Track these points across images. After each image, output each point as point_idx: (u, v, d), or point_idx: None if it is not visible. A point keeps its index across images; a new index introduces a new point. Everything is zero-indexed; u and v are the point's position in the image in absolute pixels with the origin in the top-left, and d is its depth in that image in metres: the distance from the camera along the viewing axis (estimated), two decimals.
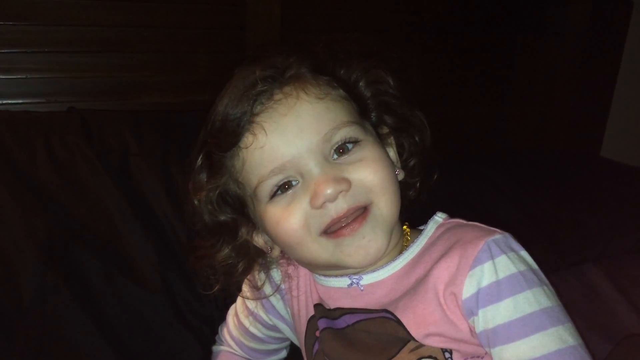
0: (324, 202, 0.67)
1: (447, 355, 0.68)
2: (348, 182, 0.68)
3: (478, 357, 0.69)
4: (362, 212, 0.69)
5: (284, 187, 0.71)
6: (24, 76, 1.40)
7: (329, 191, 0.67)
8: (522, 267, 0.67)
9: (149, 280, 1.05)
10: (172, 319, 1.04)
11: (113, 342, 0.97)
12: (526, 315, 0.64)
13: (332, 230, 0.69)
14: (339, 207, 0.68)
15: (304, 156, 0.69)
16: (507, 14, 2.01)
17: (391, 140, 0.80)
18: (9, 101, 1.39)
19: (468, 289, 0.67)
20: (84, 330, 0.96)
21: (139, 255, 1.07)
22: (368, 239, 0.69)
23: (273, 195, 0.71)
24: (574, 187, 1.64)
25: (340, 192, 0.68)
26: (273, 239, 0.76)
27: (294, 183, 0.70)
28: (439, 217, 0.78)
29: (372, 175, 0.70)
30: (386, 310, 0.72)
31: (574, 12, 2.08)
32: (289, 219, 0.70)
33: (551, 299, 0.67)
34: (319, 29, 1.69)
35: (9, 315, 0.95)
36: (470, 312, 0.67)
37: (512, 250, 0.69)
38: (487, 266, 0.67)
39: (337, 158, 0.70)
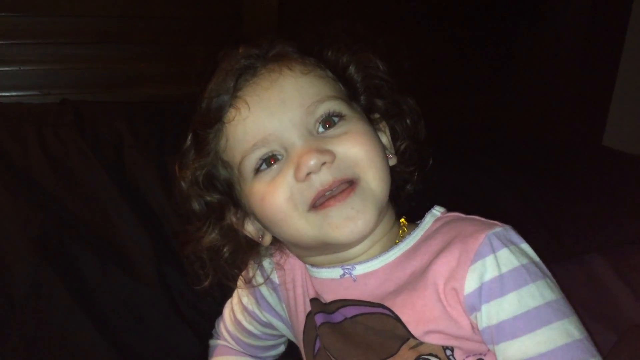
0: (308, 174, 0.66)
1: (449, 352, 0.67)
2: (332, 153, 0.67)
3: (480, 354, 0.67)
4: (349, 185, 0.68)
5: (269, 161, 0.70)
6: (17, 68, 1.40)
7: (312, 162, 0.65)
8: (525, 260, 0.66)
9: (144, 274, 1.04)
10: (168, 313, 1.03)
11: (108, 336, 0.96)
12: (531, 310, 0.63)
13: (319, 203, 0.68)
14: (324, 178, 0.67)
15: (287, 129, 0.68)
16: (508, 4, 2.00)
17: (383, 125, 0.79)
18: (3, 93, 1.38)
19: (470, 284, 0.65)
20: (79, 324, 0.95)
21: (134, 248, 1.06)
22: (356, 210, 0.67)
23: (257, 171, 0.70)
24: (576, 177, 1.63)
25: (324, 163, 0.66)
26: (260, 219, 0.74)
27: (278, 157, 0.69)
28: (437, 211, 0.76)
29: (357, 148, 0.69)
30: (383, 306, 0.70)
31: (575, 1, 2.06)
32: (274, 194, 0.68)
33: (555, 292, 0.65)
34: (316, 19, 1.68)
35: (2, 310, 0.94)
36: (472, 308, 0.65)
37: (513, 243, 0.67)
38: (489, 260, 0.65)
39: (322, 132, 0.70)
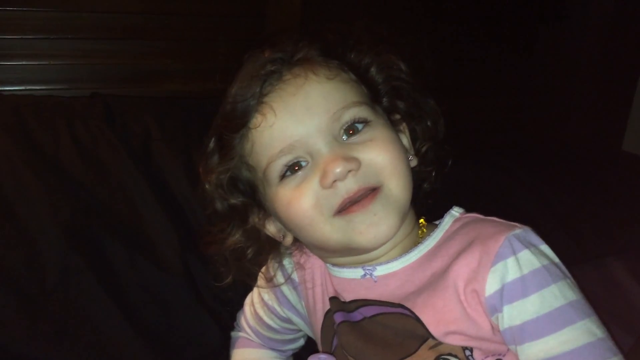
0: (334, 181, 0.67)
1: (468, 353, 0.67)
2: (357, 161, 0.67)
3: (499, 354, 0.68)
4: (372, 191, 0.68)
5: (294, 168, 0.70)
6: (46, 62, 1.42)
7: (338, 170, 0.66)
8: (545, 261, 0.66)
9: (169, 263, 1.06)
10: (192, 302, 1.05)
11: (134, 324, 0.98)
12: (553, 310, 0.63)
13: (342, 209, 0.68)
14: (349, 186, 0.67)
15: (312, 136, 0.68)
16: (529, 3, 1.99)
17: (404, 126, 0.79)
18: (32, 87, 1.40)
19: (491, 286, 0.65)
20: (107, 311, 0.98)
21: (160, 238, 1.08)
22: (379, 217, 0.68)
23: (283, 177, 0.70)
24: (595, 181, 1.62)
25: (350, 170, 0.67)
26: (284, 223, 0.75)
27: (303, 164, 0.70)
28: (456, 212, 0.77)
29: (382, 155, 0.69)
30: (403, 307, 0.71)
31: (597, 3, 2.04)
32: (300, 200, 0.69)
33: (576, 292, 0.65)
34: (339, 17, 1.68)
35: (32, 296, 0.96)
36: (493, 309, 0.66)
37: (534, 244, 0.67)
38: (510, 262, 0.65)
39: (347, 139, 0.70)
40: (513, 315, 0.64)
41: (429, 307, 0.69)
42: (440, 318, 0.68)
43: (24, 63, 1.40)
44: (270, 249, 0.81)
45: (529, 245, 0.67)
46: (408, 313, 0.70)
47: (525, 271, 0.65)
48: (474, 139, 1.63)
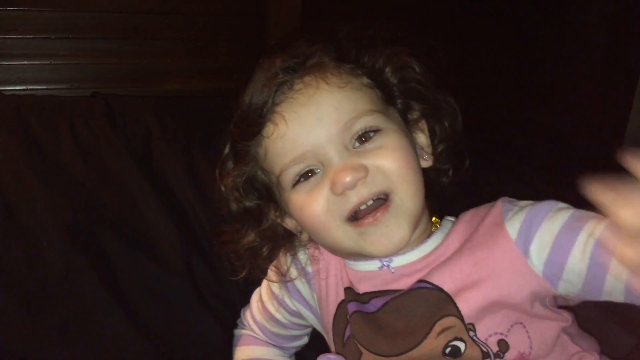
0: (344, 190, 0.68)
1: (472, 333, 0.69)
2: (365, 169, 0.69)
3: (501, 333, 0.69)
4: (384, 201, 0.70)
5: (307, 174, 0.72)
6: (48, 62, 1.42)
7: (347, 179, 0.68)
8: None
9: (171, 262, 1.06)
10: (193, 302, 1.05)
11: (136, 323, 0.98)
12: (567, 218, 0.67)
13: (356, 218, 0.70)
14: (360, 193, 0.69)
15: (323, 145, 0.70)
16: (532, 3, 1.99)
17: (422, 124, 0.80)
18: (34, 87, 1.41)
19: (513, 229, 0.69)
20: (108, 310, 0.98)
21: (161, 237, 1.08)
22: (391, 228, 0.70)
23: (296, 183, 0.72)
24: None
25: (359, 179, 0.68)
26: (299, 225, 0.78)
27: (316, 171, 0.72)
28: (451, 218, 0.80)
29: (390, 162, 0.70)
30: (421, 281, 0.73)
31: (599, 2, 2.05)
32: (312, 205, 0.71)
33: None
34: (339, 16, 1.69)
35: (34, 295, 0.96)
36: (525, 243, 0.68)
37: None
38: (516, 209, 0.71)
39: (358, 146, 0.71)
40: (544, 235, 0.67)
41: (446, 273, 0.72)
42: (457, 277, 0.71)
43: (24, 63, 1.41)
44: (285, 244, 0.83)
45: (521, 201, 0.74)
46: (426, 285, 0.72)
47: (533, 205, 0.71)
48: (477, 138, 1.63)
